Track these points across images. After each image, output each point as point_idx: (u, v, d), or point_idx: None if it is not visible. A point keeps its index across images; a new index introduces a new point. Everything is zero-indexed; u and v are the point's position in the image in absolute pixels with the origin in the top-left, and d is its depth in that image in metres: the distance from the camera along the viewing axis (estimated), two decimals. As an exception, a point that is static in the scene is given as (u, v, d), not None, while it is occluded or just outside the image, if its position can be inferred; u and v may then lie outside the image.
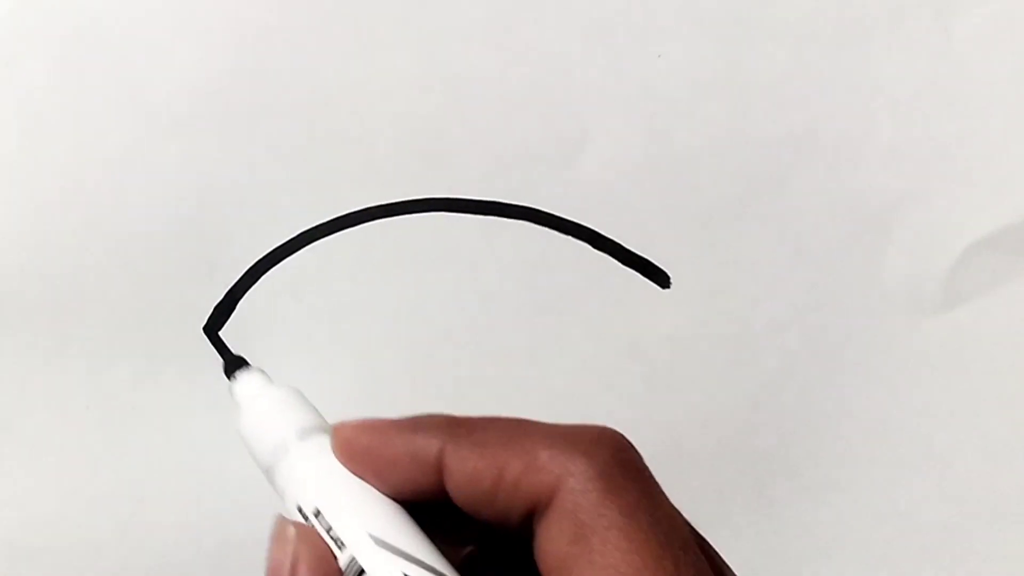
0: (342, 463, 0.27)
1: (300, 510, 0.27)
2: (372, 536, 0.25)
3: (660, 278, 0.40)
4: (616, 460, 0.25)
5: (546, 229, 0.40)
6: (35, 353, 0.39)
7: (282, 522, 0.28)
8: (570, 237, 0.40)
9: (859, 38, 0.40)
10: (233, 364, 0.31)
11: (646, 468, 0.26)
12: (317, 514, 0.26)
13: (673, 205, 0.40)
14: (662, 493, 0.26)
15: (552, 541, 0.24)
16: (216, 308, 0.39)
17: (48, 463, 0.40)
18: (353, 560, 0.25)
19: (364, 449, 0.27)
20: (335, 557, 0.25)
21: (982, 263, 0.41)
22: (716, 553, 0.26)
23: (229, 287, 0.39)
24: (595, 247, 0.40)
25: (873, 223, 0.41)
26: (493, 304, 0.40)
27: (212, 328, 0.39)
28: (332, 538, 0.25)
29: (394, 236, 0.40)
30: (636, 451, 0.26)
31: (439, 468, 0.26)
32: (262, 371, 0.31)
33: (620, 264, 0.40)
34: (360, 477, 0.27)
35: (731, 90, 0.40)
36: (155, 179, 0.39)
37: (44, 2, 0.38)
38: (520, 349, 0.40)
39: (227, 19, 0.38)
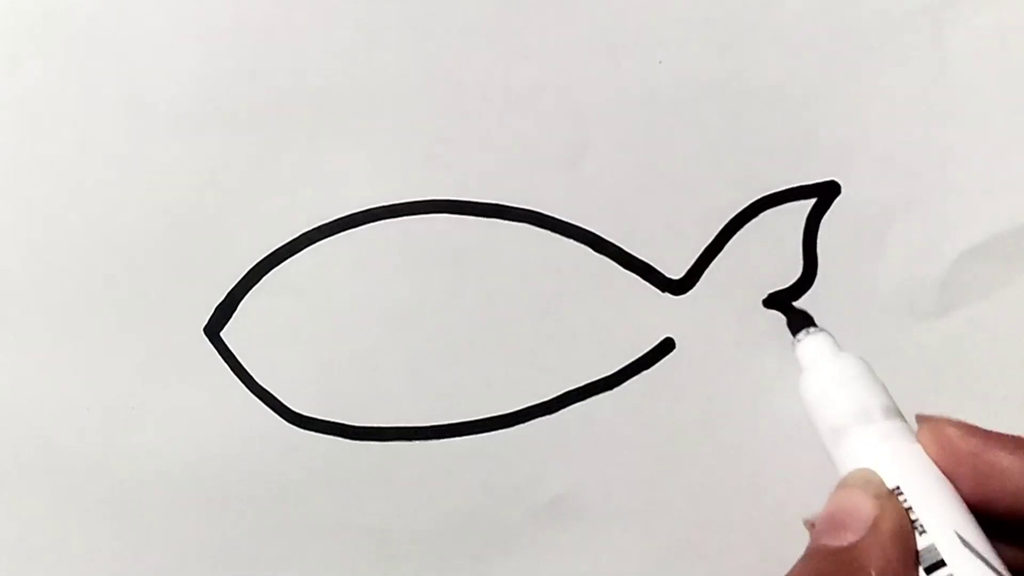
0: (938, 455, 0.26)
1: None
2: (958, 534, 0.24)
3: (661, 282, 0.41)
4: None
5: (548, 232, 0.40)
6: (35, 353, 0.39)
7: (869, 473, 0.26)
8: (572, 240, 0.40)
9: (856, 47, 0.40)
10: (801, 321, 0.31)
11: None
12: (896, 492, 0.25)
13: (673, 210, 0.40)
14: None
15: None
16: (218, 308, 0.39)
17: (48, 464, 0.39)
18: (933, 548, 0.24)
19: (967, 451, 0.26)
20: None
21: (976, 270, 0.41)
22: None
23: (231, 288, 0.39)
24: (596, 251, 0.40)
25: (867, 230, 0.41)
26: (494, 307, 0.40)
27: (213, 329, 0.39)
28: (912, 519, 0.25)
29: (396, 238, 0.40)
30: None
31: None
32: (830, 334, 0.30)
33: (621, 268, 0.41)
34: (948, 474, 0.26)
35: (730, 96, 0.40)
36: (156, 178, 0.39)
37: (45, 1, 0.38)
38: (521, 352, 0.40)
39: (229, 18, 0.38)
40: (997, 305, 0.41)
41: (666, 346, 0.40)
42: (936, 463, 0.26)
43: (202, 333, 0.39)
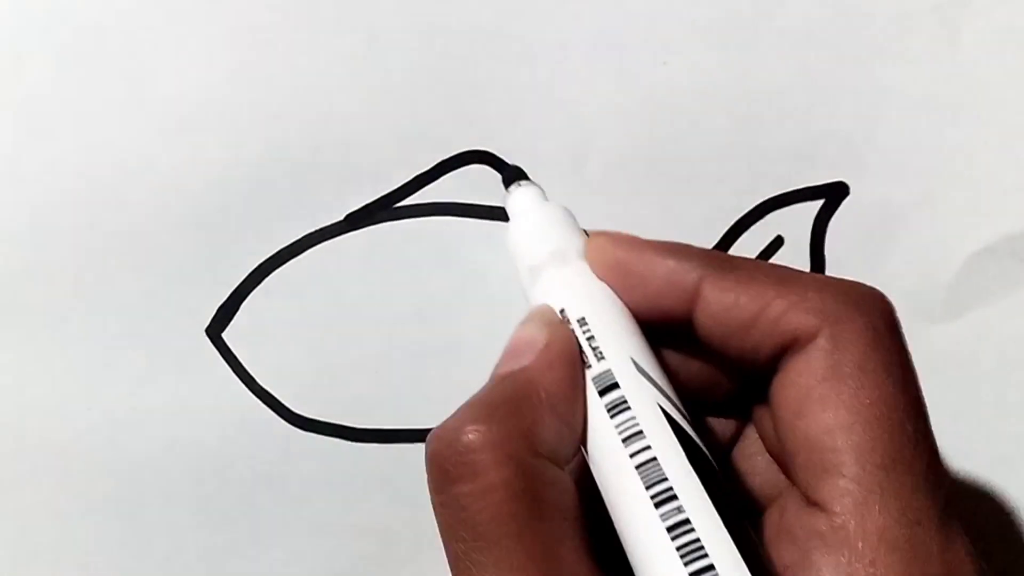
0: (594, 270, 0.28)
1: (562, 312, 0.27)
2: (633, 360, 0.26)
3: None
4: (884, 319, 0.26)
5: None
6: (36, 353, 0.39)
7: (545, 306, 0.28)
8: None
9: (864, 46, 0.40)
10: (513, 175, 0.32)
11: (904, 334, 0.26)
12: (581, 322, 0.27)
13: (678, 212, 0.40)
14: (912, 361, 0.26)
15: (801, 376, 0.25)
16: (219, 310, 0.40)
17: (48, 464, 0.40)
18: (608, 373, 0.26)
19: (620, 261, 0.27)
20: (583, 362, 0.26)
21: (986, 271, 0.41)
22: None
23: (232, 289, 0.40)
24: (600, 253, 0.40)
25: (875, 232, 0.41)
26: (496, 309, 0.40)
27: (216, 329, 0.40)
28: (591, 348, 0.26)
29: (399, 239, 0.40)
30: (898, 318, 0.26)
31: (694, 296, 0.26)
32: (540, 188, 0.31)
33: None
34: (608, 284, 0.27)
35: (736, 97, 0.40)
36: (158, 179, 0.39)
37: (48, 1, 0.38)
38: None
39: (232, 19, 0.38)
40: (1007, 307, 0.41)
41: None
42: (599, 275, 0.28)
43: (204, 334, 0.39)
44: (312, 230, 0.39)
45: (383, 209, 0.40)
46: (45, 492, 0.40)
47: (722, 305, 0.26)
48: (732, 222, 0.40)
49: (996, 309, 0.41)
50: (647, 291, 0.27)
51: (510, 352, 0.27)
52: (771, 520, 0.26)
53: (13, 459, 0.40)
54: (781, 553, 0.24)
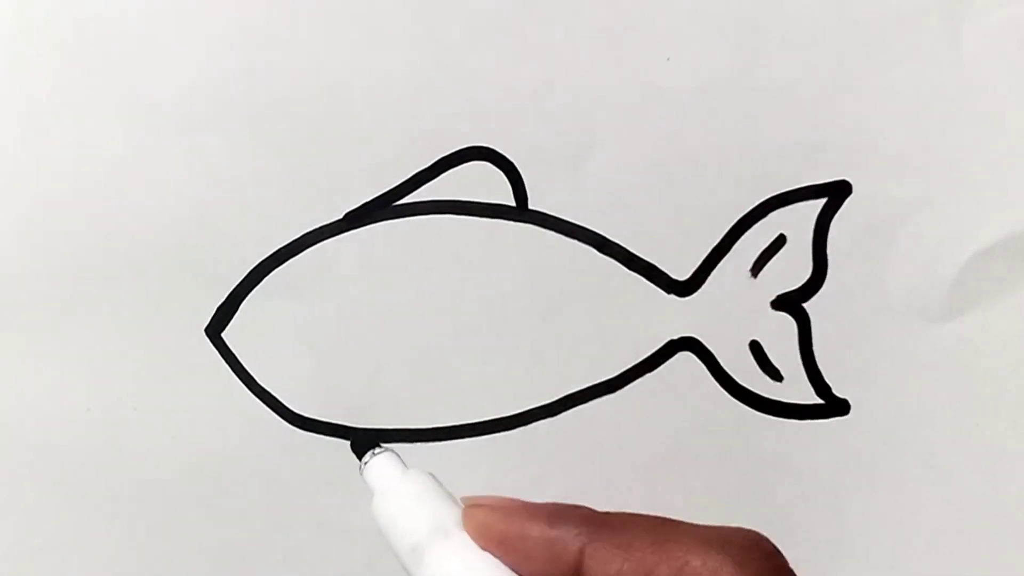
0: (476, 542, 0.27)
1: None
2: None
3: (667, 283, 0.40)
4: (767, 567, 0.25)
5: (552, 233, 0.40)
6: (36, 354, 0.39)
7: None
8: (576, 241, 0.40)
9: (867, 44, 0.40)
10: (365, 445, 0.31)
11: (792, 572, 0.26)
12: None
13: (680, 210, 0.40)
14: None
15: None
16: (219, 309, 0.40)
17: (48, 464, 0.40)
18: None
19: (500, 536, 0.27)
20: None
21: (988, 271, 0.41)
22: None
23: (232, 289, 0.40)
24: (601, 252, 0.40)
25: (878, 230, 0.41)
26: (497, 308, 0.40)
27: (215, 329, 0.39)
28: None
29: (399, 238, 0.40)
30: (784, 559, 0.26)
31: (577, 566, 0.26)
32: (396, 453, 0.31)
33: (626, 269, 0.40)
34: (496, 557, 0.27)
35: (739, 95, 0.40)
36: (158, 179, 0.39)
37: (47, 1, 0.38)
38: (524, 354, 0.40)
39: (232, 19, 0.38)
40: (1009, 306, 0.41)
41: (671, 349, 0.40)
42: (484, 550, 0.27)
43: (203, 334, 0.39)
44: (311, 229, 0.39)
45: (382, 207, 0.39)
46: (45, 492, 0.39)
47: (605, 575, 0.25)
48: (734, 221, 0.40)
49: (997, 308, 0.41)
50: (531, 565, 0.26)
51: None
52: None
53: (13, 459, 0.39)
54: None
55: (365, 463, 0.30)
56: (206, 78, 0.38)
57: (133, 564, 0.40)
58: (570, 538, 0.26)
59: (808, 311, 0.41)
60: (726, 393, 0.41)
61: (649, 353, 0.40)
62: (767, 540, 0.26)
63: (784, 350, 0.41)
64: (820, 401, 0.41)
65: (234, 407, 0.39)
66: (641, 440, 0.40)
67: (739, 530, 0.26)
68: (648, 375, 0.40)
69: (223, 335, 0.39)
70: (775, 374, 0.41)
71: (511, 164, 0.39)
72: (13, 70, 0.38)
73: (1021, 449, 0.42)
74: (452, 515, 0.28)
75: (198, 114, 0.38)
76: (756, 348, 0.41)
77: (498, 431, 0.40)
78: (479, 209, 0.40)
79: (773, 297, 0.41)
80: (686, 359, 0.40)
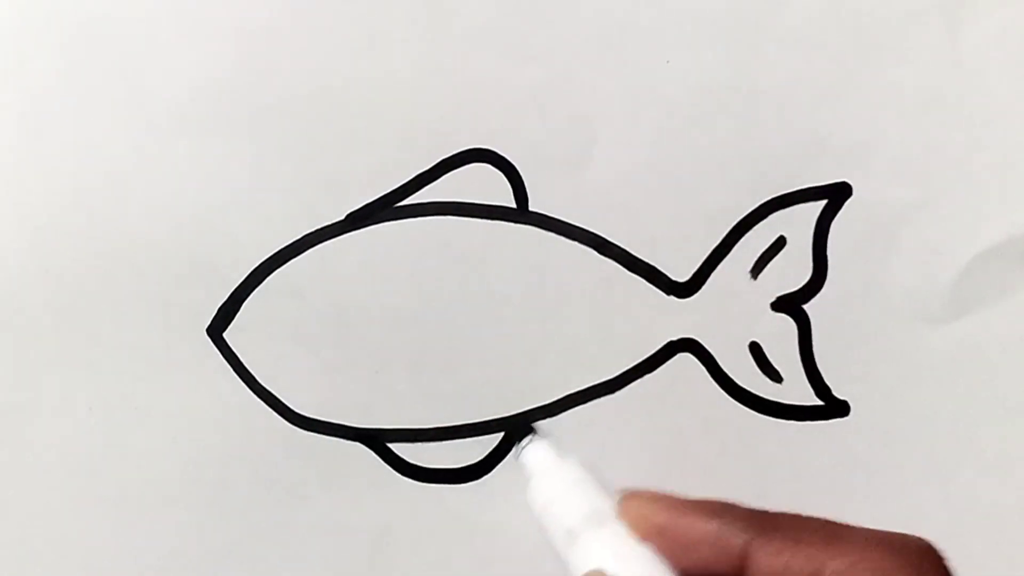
0: (635, 535, 0.27)
1: None
2: None
3: (667, 285, 0.40)
4: (937, 572, 0.25)
5: (552, 234, 0.40)
6: (37, 355, 0.39)
7: (598, 572, 0.27)
8: (576, 243, 0.40)
9: (867, 46, 0.40)
10: (523, 430, 0.32)
11: None
12: None
13: (680, 211, 0.40)
14: None
15: None
16: (220, 309, 0.40)
17: (49, 464, 0.40)
18: None
19: (660, 528, 0.27)
20: None
21: (989, 272, 0.41)
22: None
23: (233, 289, 0.40)
24: (601, 253, 0.40)
25: (878, 232, 0.41)
26: (497, 309, 0.40)
27: (217, 329, 0.40)
28: None
29: (400, 239, 0.40)
30: (950, 566, 0.26)
31: (741, 559, 0.26)
32: (551, 438, 0.31)
33: (626, 270, 0.40)
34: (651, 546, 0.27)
35: (739, 96, 0.40)
36: (159, 179, 0.39)
37: (49, 3, 0.38)
38: (524, 354, 0.40)
39: (232, 19, 0.38)
40: (1010, 308, 0.41)
41: (670, 350, 0.40)
42: (647, 542, 0.27)
43: (205, 334, 0.39)
44: (313, 229, 0.39)
45: (384, 208, 0.40)
46: (45, 492, 0.40)
47: (773, 569, 0.25)
48: (734, 222, 0.40)
49: (998, 310, 0.41)
50: (693, 556, 0.26)
51: None
52: None
53: (13, 459, 0.40)
54: None
55: (523, 447, 0.31)
56: (208, 79, 0.38)
57: (133, 564, 0.40)
58: (735, 531, 0.26)
59: (808, 313, 0.41)
60: (726, 394, 0.41)
61: (649, 354, 0.40)
62: (938, 549, 0.26)
63: (784, 351, 0.41)
64: (820, 403, 0.41)
65: (235, 407, 0.39)
66: (640, 441, 0.40)
67: (911, 536, 0.26)
68: (648, 376, 0.40)
69: (225, 335, 0.39)
70: (775, 375, 0.41)
71: (512, 166, 0.40)
72: (15, 71, 0.38)
73: (1021, 451, 0.42)
74: (609, 504, 0.28)
75: (200, 115, 0.39)
76: (756, 349, 0.41)
77: (498, 431, 0.40)
78: (480, 210, 0.40)
79: (773, 298, 0.41)
80: (686, 360, 0.40)
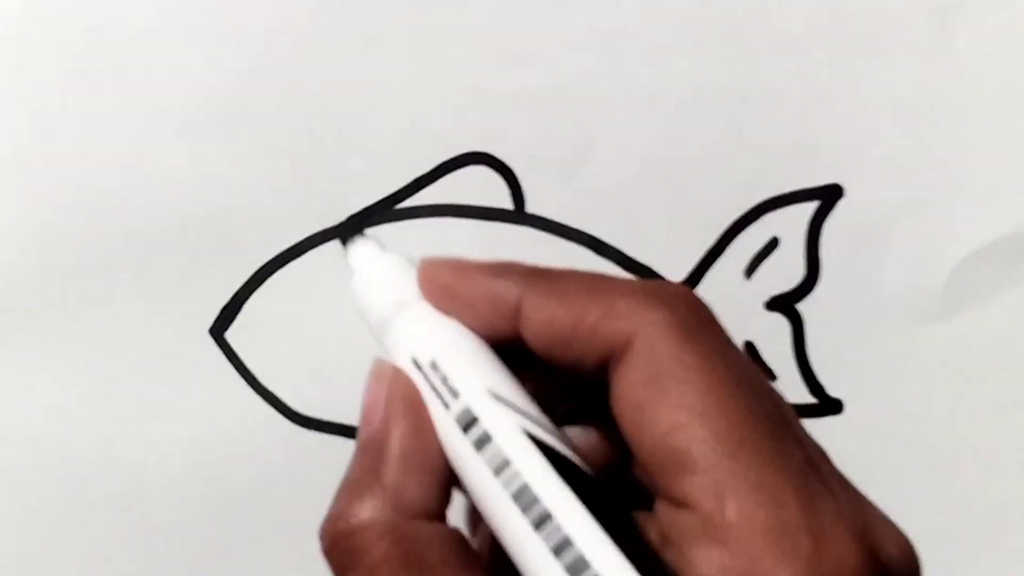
0: (429, 300, 0.28)
1: (415, 361, 0.27)
2: (491, 391, 0.26)
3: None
4: (692, 311, 0.26)
5: (548, 235, 0.40)
6: (39, 354, 0.39)
7: (380, 362, 0.28)
8: (572, 244, 0.40)
9: (859, 48, 0.40)
10: (349, 230, 0.33)
11: (719, 321, 0.26)
12: (433, 366, 0.27)
13: (676, 213, 0.40)
14: (734, 344, 0.26)
15: (629, 385, 0.25)
16: (223, 310, 0.40)
17: (50, 464, 0.40)
18: (467, 410, 0.25)
19: (446, 286, 0.28)
20: (443, 404, 0.26)
21: (980, 273, 0.41)
22: (786, 403, 0.26)
23: (235, 289, 0.40)
24: (597, 254, 0.40)
25: (871, 232, 0.41)
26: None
27: (218, 330, 0.40)
28: (447, 388, 0.26)
29: (400, 241, 0.40)
30: (709, 306, 0.26)
31: (516, 313, 0.26)
32: (377, 239, 0.31)
33: (622, 271, 0.41)
34: (441, 311, 0.28)
35: (733, 99, 0.40)
36: (162, 181, 0.39)
37: (53, 4, 0.38)
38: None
39: (236, 22, 0.38)
40: (1001, 308, 0.41)
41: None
42: (430, 302, 0.28)
43: (207, 334, 0.40)
44: (313, 232, 0.40)
45: (383, 211, 0.40)
46: (45, 492, 0.40)
47: (540, 320, 0.26)
48: (728, 223, 0.41)
49: (990, 309, 0.41)
50: (475, 314, 0.27)
51: (362, 419, 0.28)
52: (649, 526, 0.26)
53: (14, 459, 0.40)
54: (665, 556, 0.24)
55: (347, 246, 0.31)
56: (209, 82, 0.39)
57: (133, 564, 0.40)
58: (510, 286, 0.27)
59: (801, 312, 0.41)
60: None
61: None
62: (694, 292, 0.26)
63: (778, 350, 0.41)
64: (814, 401, 0.41)
65: (237, 407, 0.40)
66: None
67: (667, 282, 0.27)
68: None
69: (226, 335, 0.40)
70: (769, 374, 0.41)
71: (509, 169, 0.40)
72: (18, 73, 0.38)
73: (1014, 449, 0.42)
74: (416, 288, 0.28)
75: (201, 117, 0.39)
76: (750, 349, 0.41)
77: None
78: (478, 212, 0.40)
79: (767, 298, 0.41)
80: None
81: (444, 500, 0.26)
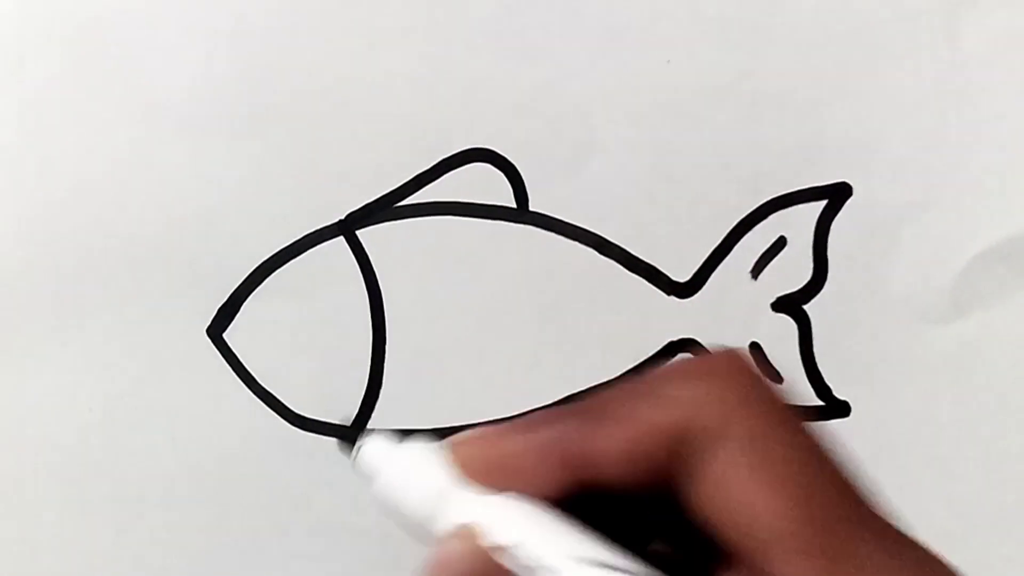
0: (468, 478, 0.25)
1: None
2: (587, 559, 0.24)
3: (667, 285, 0.40)
4: (754, 383, 0.24)
5: (552, 235, 0.40)
6: (38, 354, 0.39)
7: (461, 531, 0.26)
8: (576, 243, 0.40)
9: (867, 47, 0.40)
10: (353, 434, 0.30)
11: (770, 384, 0.24)
12: (516, 550, 0.25)
13: (680, 212, 0.40)
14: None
15: (732, 470, 0.23)
16: (220, 310, 0.40)
17: (49, 464, 0.40)
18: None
19: (488, 460, 0.25)
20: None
21: (989, 273, 0.41)
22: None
23: (233, 290, 0.40)
24: (601, 253, 0.40)
25: (879, 232, 0.41)
26: (497, 309, 0.40)
27: (217, 330, 0.40)
28: (540, 569, 0.24)
29: (399, 240, 0.40)
30: (754, 367, 0.24)
31: (578, 458, 0.24)
32: (386, 434, 0.30)
33: (626, 271, 0.40)
34: (492, 490, 0.25)
35: (739, 96, 0.40)
36: (160, 180, 0.39)
37: (50, 2, 0.38)
38: (524, 355, 0.40)
39: (233, 22, 0.38)
40: (1010, 309, 0.41)
41: (671, 350, 0.40)
42: (476, 483, 0.25)
43: (205, 335, 0.39)
44: (313, 229, 0.39)
45: (383, 209, 0.40)
46: (45, 492, 0.40)
47: (620, 450, 0.23)
48: (735, 222, 0.40)
49: (998, 310, 0.41)
50: (526, 479, 0.24)
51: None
52: None
53: (13, 459, 0.40)
54: None
55: (360, 450, 0.30)
56: (208, 79, 0.39)
57: (133, 564, 0.40)
58: (556, 434, 0.24)
59: (808, 313, 0.41)
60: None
61: (650, 354, 0.40)
62: (742, 358, 0.24)
63: (784, 352, 0.41)
64: (820, 403, 0.41)
65: (235, 407, 0.40)
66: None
67: (717, 354, 0.24)
68: (648, 377, 0.40)
69: (224, 336, 0.40)
70: (775, 376, 0.41)
71: (512, 166, 0.40)
72: (15, 71, 0.38)
73: (1021, 450, 0.42)
74: (448, 472, 0.26)
75: (200, 115, 0.39)
76: (756, 350, 0.41)
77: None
78: (480, 210, 0.40)
79: (773, 299, 0.41)
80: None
81: None
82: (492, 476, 0.25)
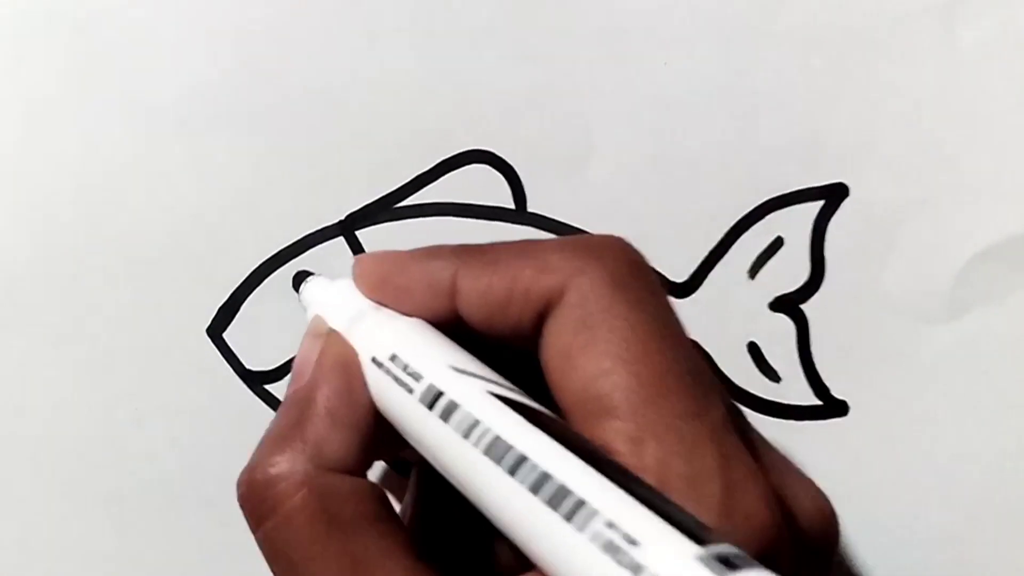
0: (363, 292, 0.28)
1: (374, 360, 0.27)
2: (450, 366, 0.26)
3: (664, 285, 0.40)
4: (625, 262, 0.26)
5: (551, 235, 0.40)
6: (37, 354, 0.39)
7: (317, 320, 0.29)
8: (575, 243, 0.40)
9: (864, 46, 0.40)
10: (299, 278, 0.35)
11: (653, 270, 0.27)
12: (393, 359, 0.27)
13: (678, 212, 0.40)
14: (665, 294, 0.26)
15: (558, 334, 0.25)
16: (220, 310, 0.40)
17: (49, 464, 0.40)
18: (430, 387, 0.26)
19: (382, 278, 0.28)
20: (407, 390, 0.26)
21: (987, 273, 0.41)
22: (705, 363, 0.27)
23: (233, 289, 0.40)
24: (600, 253, 0.40)
25: (875, 232, 0.41)
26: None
27: (217, 329, 0.40)
28: (410, 374, 0.26)
29: (399, 240, 0.40)
30: (643, 256, 0.27)
31: (452, 292, 0.27)
32: (324, 276, 0.32)
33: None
34: (380, 303, 0.28)
35: (736, 97, 0.40)
36: (159, 180, 0.39)
37: (48, 2, 0.38)
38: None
39: (233, 20, 0.39)
40: (1008, 309, 0.41)
41: (669, 349, 0.40)
42: (369, 297, 0.29)
43: (205, 334, 0.40)
44: (312, 230, 0.40)
45: (383, 210, 0.40)
46: (45, 492, 0.40)
47: (477, 292, 0.26)
48: (732, 223, 0.40)
49: (996, 310, 0.41)
50: (415, 300, 0.27)
51: (293, 374, 0.28)
52: None
53: (13, 459, 0.40)
54: None
55: (300, 292, 0.32)
56: (207, 79, 0.39)
57: (133, 564, 0.40)
58: (443, 266, 0.27)
59: (806, 313, 0.41)
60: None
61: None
62: (626, 241, 0.27)
63: (782, 351, 0.41)
64: (818, 402, 0.41)
65: (235, 407, 0.40)
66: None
67: (599, 234, 0.27)
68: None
69: (224, 335, 0.40)
70: (773, 375, 0.41)
71: (510, 167, 0.40)
72: (14, 71, 0.38)
73: (1021, 452, 0.41)
74: (365, 304, 0.29)
75: (199, 115, 0.39)
76: (754, 349, 0.41)
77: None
78: (479, 211, 0.40)
79: (771, 299, 0.41)
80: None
81: (366, 460, 0.27)
82: (384, 291, 0.28)
